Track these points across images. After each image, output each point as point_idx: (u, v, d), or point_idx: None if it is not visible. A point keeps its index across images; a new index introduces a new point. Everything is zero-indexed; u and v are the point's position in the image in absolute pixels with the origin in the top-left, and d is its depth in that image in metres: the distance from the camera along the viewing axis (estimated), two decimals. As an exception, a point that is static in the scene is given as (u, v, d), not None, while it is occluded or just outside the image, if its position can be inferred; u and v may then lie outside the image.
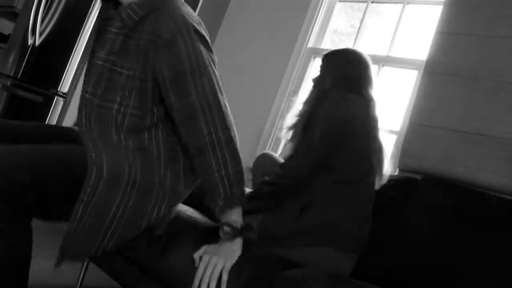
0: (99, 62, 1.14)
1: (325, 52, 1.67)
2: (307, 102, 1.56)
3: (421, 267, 1.53)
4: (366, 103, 1.52)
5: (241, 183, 1.15)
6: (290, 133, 1.56)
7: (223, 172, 1.12)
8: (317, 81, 1.61)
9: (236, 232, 1.15)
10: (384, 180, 1.54)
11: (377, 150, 1.50)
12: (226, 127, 1.13)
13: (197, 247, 1.20)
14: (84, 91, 1.20)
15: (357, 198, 1.46)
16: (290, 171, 1.44)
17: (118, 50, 1.12)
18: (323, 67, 1.62)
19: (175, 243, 1.29)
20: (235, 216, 1.15)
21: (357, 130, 1.46)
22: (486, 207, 1.57)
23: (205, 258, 1.14)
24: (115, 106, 1.12)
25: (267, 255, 1.29)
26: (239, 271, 1.16)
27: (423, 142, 1.90)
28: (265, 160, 1.76)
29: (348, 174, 1.44)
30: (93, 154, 1.10)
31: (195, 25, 1.14)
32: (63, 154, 1.13)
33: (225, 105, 1.15)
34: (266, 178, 1.48)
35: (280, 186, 1.45)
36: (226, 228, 1.15)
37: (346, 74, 1.56)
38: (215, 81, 1.15)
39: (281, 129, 2.67)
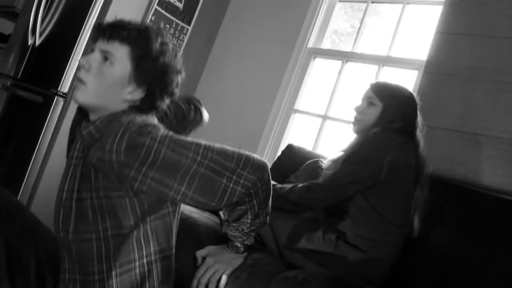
0: (64, 195, 1.03)
1: (382, 84, 1.60)
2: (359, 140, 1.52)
3: (420, 267, 1.53)
4: (417, 149, 1.51)
5: (267, 199, 1.09)
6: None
7: (254, 200, 1.06)
8: (380, 118, 1.52)
9: (246, 249, 1.18)
10: (417, 232, 1.50)
11: (422, 200, 1.49)
12: (245, 166, 1.01)
13: (197, 248, 1.20)
14: (57, 231, 1.06)
15: (390, 243, 1.43)
16: (311, 201, 1.42)
17: (80, 176, 1.02)
18: (386, 103, 1.53)
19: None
20: (251, 237, 1.17)
21: (404, 179, 1.45)
22: (486, 207, 1.57)
23: (209, 261, 1.15)
24: (93, 236, 0.99)
25: (268, 255, 1.29)
26: (239, 271, 1.16)
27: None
28: (312, 166, 1.73)
29: (385, 215, 1.42)
30: None
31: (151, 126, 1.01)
32: None
33: (225, 147, 1.03)
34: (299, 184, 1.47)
35: (301, 208, 1.45)
36: (237, 244, 1.16)
37: (409, 119, 1.53)
38: (199, 142, 1.01)
39: (282, 129, 2.68)
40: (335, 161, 1.49)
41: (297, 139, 2.64)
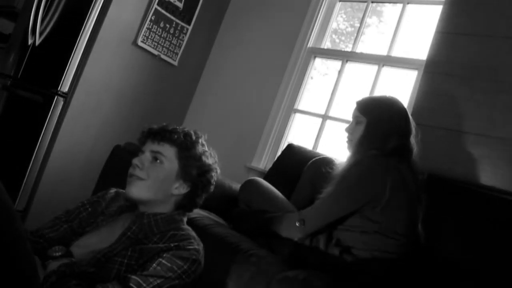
0: (94, 249, 1.13)
1: (366, 99, 1.61)
2: (351, 161, 1.51)
3: (420, 267, 1.53)
4: (410, 161, 1.51)
5: None
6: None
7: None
8: (363, 140, 1.53)
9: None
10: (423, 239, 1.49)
11: (423, 207, 1.49)
12: None
13: None
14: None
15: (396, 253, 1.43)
16: (302, 232, 1.43)
17: (122, 245, 1.14)
18: (371, 117, 1.54)
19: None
20: None
21: (404, 195, 1.45)
22: (486, 207, 1.57)
23: None
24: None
25: (271, 255, 1.29)
26: (241, 270, 1.16)
27: (423, 142, 1.91)
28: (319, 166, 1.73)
29: (391, 228, 1.42)
30: None
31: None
32: None
33: None
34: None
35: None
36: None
37: (402, 131, 1.53)
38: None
39: (282, 129, 2.68)
40: (331, 182, 1.49)
41: (297, 139, 2.65)
